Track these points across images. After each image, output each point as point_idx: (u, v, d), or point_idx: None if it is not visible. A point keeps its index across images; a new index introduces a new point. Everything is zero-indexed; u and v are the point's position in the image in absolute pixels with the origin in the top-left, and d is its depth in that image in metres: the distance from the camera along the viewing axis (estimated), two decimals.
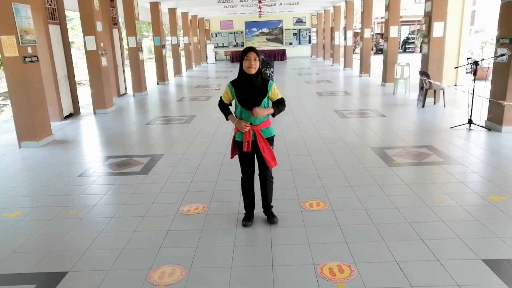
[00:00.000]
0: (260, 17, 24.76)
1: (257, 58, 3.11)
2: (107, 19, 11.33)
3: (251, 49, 3.13)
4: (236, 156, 3.40)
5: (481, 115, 6.60)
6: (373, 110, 8.51)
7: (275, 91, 3.22)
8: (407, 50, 30.73)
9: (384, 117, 7.76)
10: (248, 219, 3.45)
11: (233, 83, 3.22)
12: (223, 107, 3.34)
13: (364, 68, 15.06)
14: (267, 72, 10.99)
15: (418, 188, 4.17)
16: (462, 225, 3.32)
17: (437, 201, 3.80)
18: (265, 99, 3.17)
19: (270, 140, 3.29)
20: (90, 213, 3.85)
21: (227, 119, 3.33)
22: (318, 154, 5.43)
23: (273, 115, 3.21)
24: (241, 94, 3.14)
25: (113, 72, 11.52)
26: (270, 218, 3.44)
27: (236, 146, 3.32)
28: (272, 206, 3.50)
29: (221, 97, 3.34)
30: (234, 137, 3.33)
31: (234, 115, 3.28)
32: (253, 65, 3.08)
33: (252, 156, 3.31)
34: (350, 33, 17.78)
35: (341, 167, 4.85)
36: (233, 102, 3.31)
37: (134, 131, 7.50)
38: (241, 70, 3.16)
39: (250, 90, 3.13)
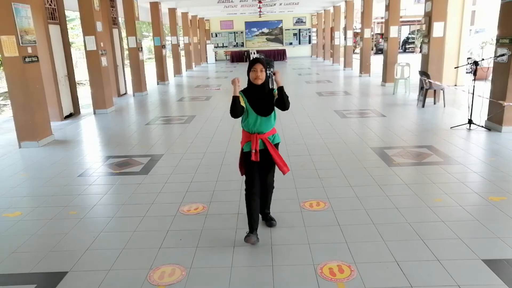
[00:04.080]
0: (260, 17, 24.75)
1: (263, 70, 3.14)
2: (107, 19, 11.33)
3: (257, 60, 3.17)
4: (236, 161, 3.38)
5: (481, 115, 6.60)
6: (373, 110, 8.51)
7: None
8: (407, 50, 30.72)
9: (384, 117, 7.76)
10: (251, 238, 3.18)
11: (243, 91, 3.19)
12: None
13: (364, 68, 15.06)
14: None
15: (418, 188, 4.17)
16: (462, 225, 3.32)
17: (437, 201, 3.80)
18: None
19: (276, 146, 3.28)
20: (90, 213, 3.85)
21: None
22: (318, 154, 5.43)
23: (282, 93, 3.07)
24: (254, 103, 3.14)
25: (113, 72, 11.52)
26: (269, 222, 3.44)
27: (245, 158, 3.20)
28: (269, 212, 3.50)
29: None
30: (242, 150, 3.24)
31: (244, 122, 3.19)
32: (259, 76, 3.11)
33: (259, 166, 3.20)
34: (350, 33, 17.77)
35: (341, 167, 4.85)
36: (246, 107, 3.16)
37: (134, 131, 7.50)
38: (249, 80, 3.19)
39: (261, 98, 3.15)
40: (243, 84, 3.13)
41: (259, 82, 3.13)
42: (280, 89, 3.08)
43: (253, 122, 3.16)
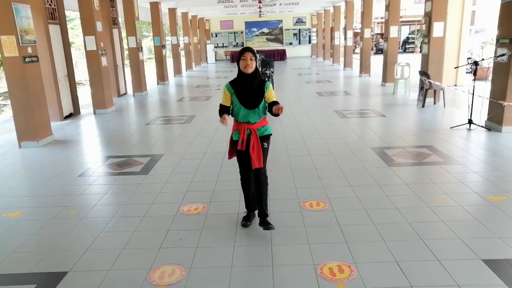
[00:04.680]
0: (260, 17, 24.75)
1: (253, 58, 3.16)
2: (107, 19, 11.33)
3: (247, 49, 3.20)
4: (235, 157, 3.41)
5: (481, 115, 6.60)
6: (373, 110, 8.51)
7: (271, 92, 3.25)
8: (407, 50, 30.73)
9: (384, 117, 7.76)
10: (247, 219, 3.45)
11: (231, 83, 3.26)
12: (223, 110, 3.31)
13: (364, 68, 15.06)
14: (267, 72, 10.99)
15: (418, 188, 4.16)
16: (462, 225, 3.32)
17: (437, 201, 3.80)
18: (262, 101, 3.21)
19: (267, 137, 3.30)
20: (90, 213, 3.85)
21: (220, 117, 3.25)
22: (318, 154, 5.42)
23: (277, 114, 3.17)
24: (241, 93, 3.19)
25: (113, 72, 11.52)
26: (266, 226, 3.22)
27: (234, 146, 3.33)
28: (268, 215, 3.29)
29: (220, 104, 3.32)
30: (231, 138, 3.35)
31: (231, 114, 3.29)
32: (249, 65, 3.14)
33: (249, 155, 3.27)
34: (350, 33, 17.77)
35: (341, 167, 4.85)
36: (233, 101, 3.26)
37: (134, 131, 7.50)
38: (239, 70, 3.21)
39: (248, 89, 3.18)
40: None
41: (249, 70, 3.16)
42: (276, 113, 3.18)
43: (240, 113, 3.22)
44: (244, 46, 27.94)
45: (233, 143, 3.34)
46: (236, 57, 24.62)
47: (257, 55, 3.32)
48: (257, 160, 3.21)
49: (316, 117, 7.93)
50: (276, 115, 3.20)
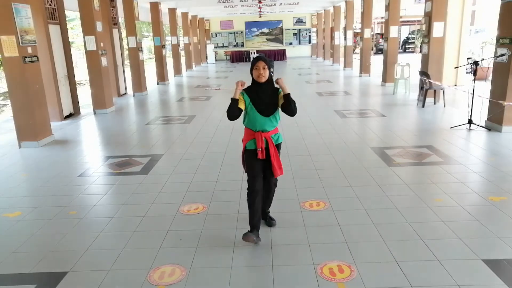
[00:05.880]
0: (260, 17, 24.75)
1: (266, 67, 3.13)
2: (107, 19, 11.33)
3: (259, 58, 3.17)
4: (238, 163, 3.35)
5: (481, 115, 6.60)
6: (373, 110, 8.51)
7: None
8: (407, 50, 30.73)
9: (384, 117, 7.76)
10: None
11: (246, 90, 3.19)
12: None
13: (364, 68, 15.06)
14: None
15: (418, 188, 4.16)
16: (462, 225, 3.32)
17: (437, 201, 3.80)
18: (277, 108, 3.19)
19: (278, 146, 3.27)
20: (90, 213, 3.85)
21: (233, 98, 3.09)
22: (318, 154, 5.43)
23: (289, 100, 3.11)
24: (257, 101, 3.13)
25: (113, 72, 11.52)
26: (268, 222, 3.44)
27: (250, 156, 3.18)
28: (269, 211, 3.48)
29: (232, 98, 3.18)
30: (243, 150, 3.23)
31: (247, 120, 3.19)
32: (262, 74, 3.11)
33: (263, 164, 3.18)
34: (350, 33, 17.77)
35: (341, 167, 4.85)
36: (248, 109, 3.16)
37: (134, 131, 7.50)
38: (252, 79, 3.18)
39: (264, 97, 3.14)
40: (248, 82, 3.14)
41: (263, 80, 3.13)
42: (287, 96, 3.10)
43: (256, 121, 3.15)
44: (245, 46, 28.14)
45: (246, 153, 3.19)
46: (236, 57, 24.47)
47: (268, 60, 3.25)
48: (279, 168, 3.18)
49: (316, 117, 7.92)
50: (290, 109, 3.13)
